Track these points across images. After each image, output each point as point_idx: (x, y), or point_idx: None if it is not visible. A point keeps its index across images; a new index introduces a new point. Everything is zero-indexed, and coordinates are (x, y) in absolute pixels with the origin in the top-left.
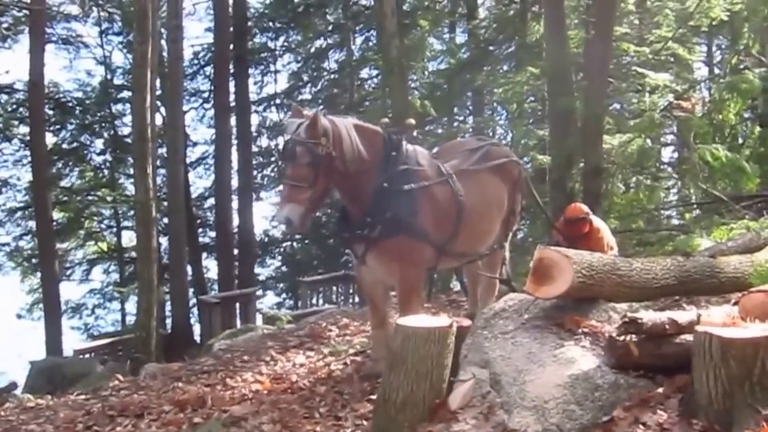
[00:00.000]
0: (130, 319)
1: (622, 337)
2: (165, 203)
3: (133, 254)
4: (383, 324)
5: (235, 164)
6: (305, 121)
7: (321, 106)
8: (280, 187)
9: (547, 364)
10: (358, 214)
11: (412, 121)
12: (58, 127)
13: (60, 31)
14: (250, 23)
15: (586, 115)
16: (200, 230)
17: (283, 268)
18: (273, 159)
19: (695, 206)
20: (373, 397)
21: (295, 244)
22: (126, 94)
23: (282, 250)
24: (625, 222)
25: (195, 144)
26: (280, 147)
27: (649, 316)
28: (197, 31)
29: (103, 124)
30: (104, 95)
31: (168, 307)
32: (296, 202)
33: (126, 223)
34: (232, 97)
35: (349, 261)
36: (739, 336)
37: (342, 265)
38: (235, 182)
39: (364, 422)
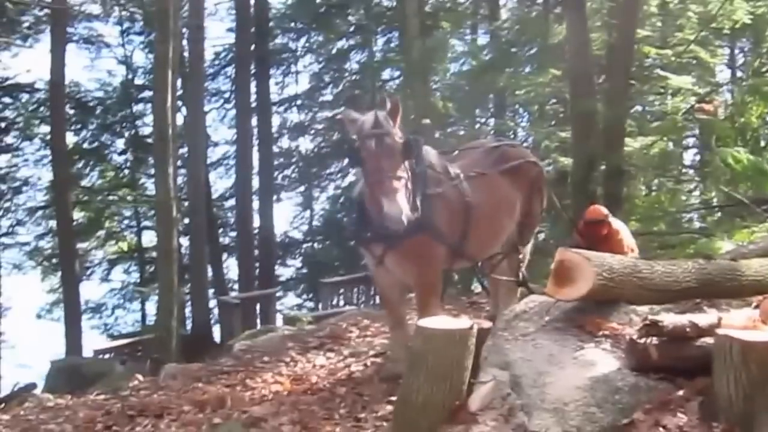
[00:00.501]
0: (150, 320)
1: (642, 340)
2: (186, 203)
3: (154, 254)
4: (401, 325)
5: (255, 165)
6: (385, 112)
7: (343, 108)
8: (376, 184)
9: (568, 366)
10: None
11: (429, 121)
12: (79, 126)
13: (81, 31)
14: (271, 24)
15: (608, 118)
16: (221, 231)
17: (304, 269)
18: (294, 160)
19: (717, 209)
20: (393, 398)
21: (315, 245)
22: (147, 93)
23: (303, 251)
24: (646, 224)
25: (216, 144)
26: (366, 140)
27: (669, 318)
28: (219, 32)
29: (124, 124)
30: (125, 95)
31: (188, 307)
32: (403, 193)
33: (146, 223)
34: (253, 97)
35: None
36: (759, 339)
37: (363, 266)
38: (255, 182)
39: (384, 424)
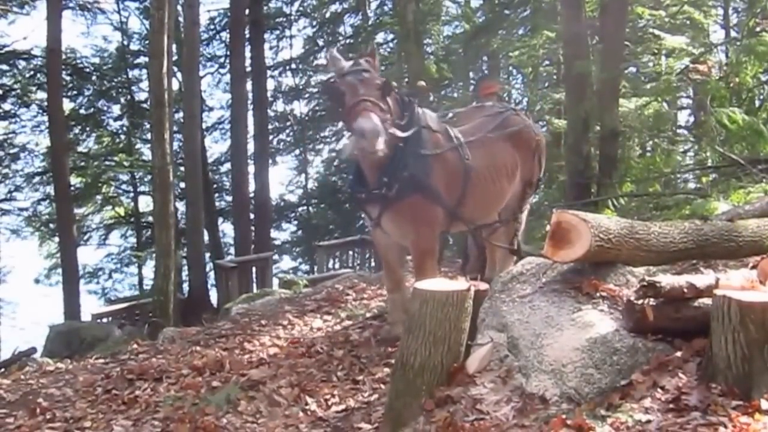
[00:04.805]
0: (148, 284)
1: (640, 301)
2: (182, 168)
3: (150, 219)
4: (399, 287)
5: (251, 129)
6: (364, 57)
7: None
8: (353, 107)
9: (565, 328)
10: (374, 173)
11: (424, 83)
12: (75, 92)
13: None
14: None
15: (602, 79)
16: (217, 195)
17: (299, 233)
18: (289, 124)
19: (712, 170)
20: (391, 360)
21: (311, 208)
22: (143, 59)
23: (298, 214)
24: (641, 186)
25: (211, 109)
26: (342, 76)
27: (667, 279)
28: None
29: (120, 90)
30: (121, 61)
31: (185, 271)
32: (378, 115)
33: (143, 188)
34: (247, 62)
35: (365, 225)
36: (758, 300)
37: (358, 229)
38: (251, 147)
39: (382, 386)
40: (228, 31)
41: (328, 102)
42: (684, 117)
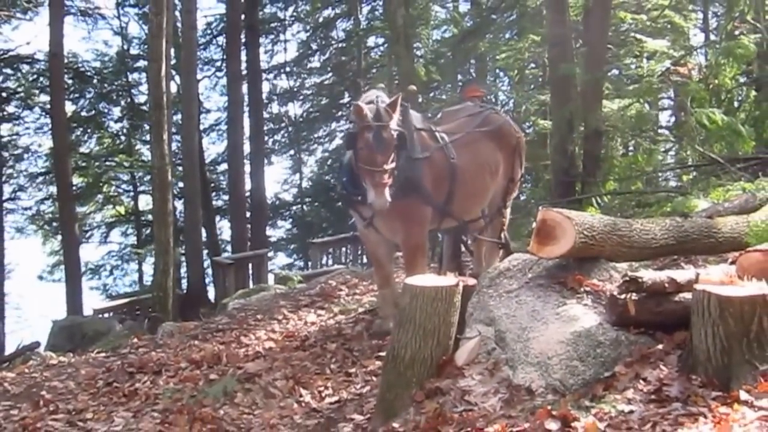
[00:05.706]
0: (147, 280)
1: (622, 295)
2: (180, 168)
3: (150, 217)
4: (389, 283)
5: (247, 130)
6: (386, 106)
7: (330, 74)
8: (367, 174)
9: (551, 322)
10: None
11: (414, 87)
12: (77, 95)
13: (78, 4)
14: None
15: (586, 81)
16: (214, 194)
17: (294, 230)
18: (283, 125)
19: (692, 168)
20: (382, 354)
21: (305, 206)
22: (142, 63)
23: (292, 212)
24: (624, 184)
25: (208, 111)
26: (365, 131)
27: (649, 275)
28: (210, 2)
29: (120, 93)
30: (121, 65)
31: (183, 268)
32: (388, 186)
33: (143, 188)
34: (243, 65)
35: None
36: (736, 294)
37: (351, 226)
38: (247, 147)
39: (374, 378)
40: (224, 35)
41: (347, 147)
42: (665, 117)
